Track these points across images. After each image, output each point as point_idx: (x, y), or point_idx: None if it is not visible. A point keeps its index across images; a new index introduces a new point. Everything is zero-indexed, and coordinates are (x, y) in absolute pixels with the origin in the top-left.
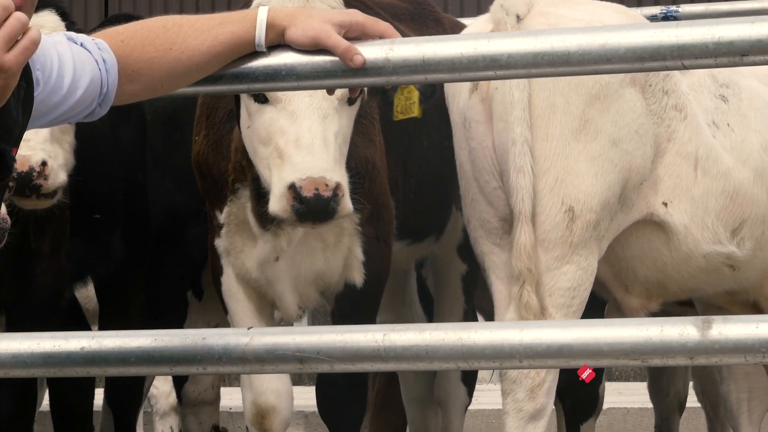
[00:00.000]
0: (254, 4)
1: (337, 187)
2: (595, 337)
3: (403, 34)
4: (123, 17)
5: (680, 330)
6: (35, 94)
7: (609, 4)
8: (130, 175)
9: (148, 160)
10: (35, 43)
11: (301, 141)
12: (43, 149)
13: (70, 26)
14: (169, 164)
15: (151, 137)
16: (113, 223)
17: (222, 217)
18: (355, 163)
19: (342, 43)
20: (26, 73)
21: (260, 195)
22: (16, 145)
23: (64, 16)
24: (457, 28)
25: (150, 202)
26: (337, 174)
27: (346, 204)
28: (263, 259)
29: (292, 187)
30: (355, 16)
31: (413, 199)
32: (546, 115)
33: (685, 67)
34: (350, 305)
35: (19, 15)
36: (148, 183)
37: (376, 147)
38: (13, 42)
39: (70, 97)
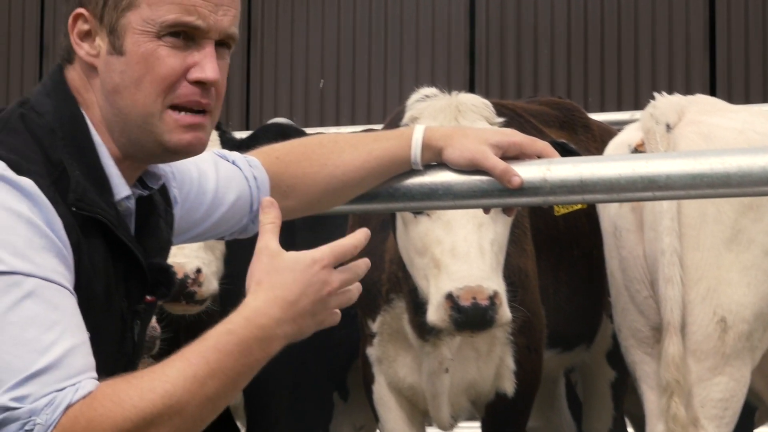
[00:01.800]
0: (406, 117)
1: (495, 295)
2: None
3: (553, 139)
4: (274, 126)
5: None
6: (173, 211)
7: (762, 110)
8: None
9: None
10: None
11: (457, 250)
12: (197, 257)
13: (223, 135)
14: None
15: (301, 242)
16: None
17: (375, 327)
18: (508, 273)
19: (499, 165)
20: (164, 193)
21: (417, 306)
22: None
23: (216, 125)
24: (607, 134)
25: None
26: (494, 282)
27: (505, 312)
28: (431, 371)
29: (450, 297)
30: (513, 136)
31: (564, 307)
32: (697, 224)
33: None
34: (501, 415)
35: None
36: None
37: (528, 256)
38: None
39: (212, 213)
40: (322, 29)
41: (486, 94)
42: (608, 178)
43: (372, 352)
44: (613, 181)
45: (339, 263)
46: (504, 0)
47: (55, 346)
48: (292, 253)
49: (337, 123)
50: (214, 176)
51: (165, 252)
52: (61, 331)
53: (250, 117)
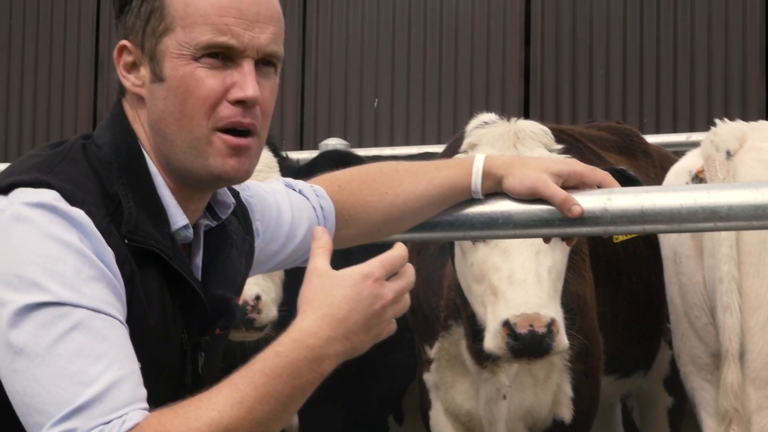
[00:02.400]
0: (465, 144)
1: (552, 323)
2: None
3: (613, 164)
4: (334, 153)
5: None
6: (255, 244)
7: None
8: None
9: None
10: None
11: (514, 277)
12: (257, 284)
13: (282, 161)
14: None
15: (354, 260)
16: None
17: (432, 353)
18: (566, 299)
19: (560, 193)
20: (247, 225)
21: (476, 332)
22: (238, 294)
23: (275, 151)
24: (666, 160)
25: None
26: (551, 310)
27: (562, 340)
28: (488, 397)
29: (507, 324)
30: (573, 165)
31: (622, 333)
32: (757, 252)
33: None
34: None
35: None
36: None
37: (586, 283)
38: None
39: (288, 245)
40: (377, 48)
41: (540, 114)
42: (669, 209)
43: (429, 377)
44: (674, 211)
45: (390, 275)
46: (559, 20)
47: (101, 378)
48: (341, 271)
49: (392, 143)
50: (289, 208)
51: (234, 283)
52: (108, 363)
53: (304, 136)
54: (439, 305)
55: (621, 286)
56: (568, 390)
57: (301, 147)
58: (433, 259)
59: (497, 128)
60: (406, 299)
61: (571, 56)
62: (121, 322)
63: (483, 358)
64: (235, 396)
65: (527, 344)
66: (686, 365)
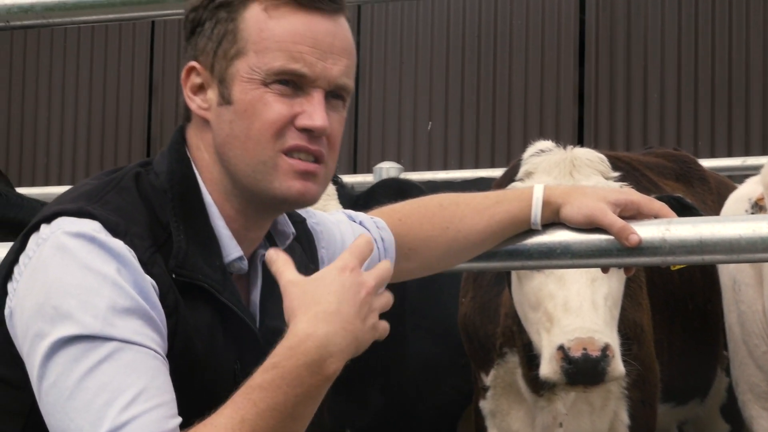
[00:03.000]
0: (521, 172)
1: (606, 347)
2: None
3: (670, 192)
4: (392, 182)
5: None
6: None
7: None
8: (391, 328)
9: (405, 310)
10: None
11: (569, 305)
12: None
13: (341, 189)
14: (425, 314)
15: (408, 286)
16: (372, 378)
17: (488, 380)
18: (623, 327)
19: (617, 222)
20: (312, 253)
21: (531, 360)
22: None
23: (334, 180)
24: (723, 187)
25: (407, 353)
26: (606, 335)
27: (617, 366)
28: (544, 425)
29: (561, 349)
30: (631, 195)
31: (678, 361)
32: None
33: None
34: None
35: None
36: (406, 334)
37: (643, 310)
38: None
39: None
40: (431, 71)
41: (595, 136)
42: (728, 239)
43: (485, 405)
44: (733, 242)
45: (362, 264)
46: (614, 42)
47: (126, 411)
48: (317, 273)
49: (445, 166)
50: (352, 239)
51: None
52: (134, 395)
53: (357, 159)
54: (495, 332)
55: (677, 314)
56: (624, 418)
57: (354, 170)
58: (490, 287)
59: (553, 156)
60: (387, 294)
61: (626, 78)
62: (156, 352)
63: (539, 386)
64: (235, 416)
65: (581, 368)
66: (744, 393)
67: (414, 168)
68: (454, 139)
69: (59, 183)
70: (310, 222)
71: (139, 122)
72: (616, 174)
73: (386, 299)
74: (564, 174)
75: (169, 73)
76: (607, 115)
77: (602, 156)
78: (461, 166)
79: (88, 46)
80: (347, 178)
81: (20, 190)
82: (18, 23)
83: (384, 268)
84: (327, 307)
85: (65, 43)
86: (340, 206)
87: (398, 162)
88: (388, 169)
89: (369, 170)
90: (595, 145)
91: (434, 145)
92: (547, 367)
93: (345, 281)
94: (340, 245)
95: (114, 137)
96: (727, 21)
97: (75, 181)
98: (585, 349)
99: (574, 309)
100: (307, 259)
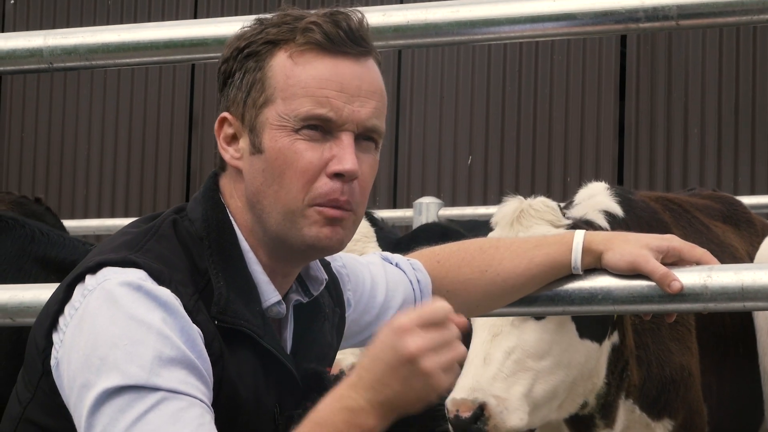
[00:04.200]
0: (492, 221)
1: (483, 407)
2: None
3: (721, 234)
4: (434, 226)
5: None
6: (346, 315)
7: None
8: None
9: None
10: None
11: (467, 360)
12: (352, 353)
13: (379, 231)
14: None
15: None
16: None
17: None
18: (670, 371)
19: (660, 269)
20: (338, 296)
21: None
22: (330, 365)
23: (373, 221)
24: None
25: None
26: (488, 393)
27: (499, 423)
28: None
29: (446, 410)
30: (672, 241)
31: (727, 404)
32: None
33: None
34: None
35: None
36: None
37: (692, 354)
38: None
39: (381, 316)
40: (471, 105)
41: (635, 171)
42: None
43: None
44: None
45: (427, 325)
46: (654, 77)
47: None
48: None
49: (485, 202)
50: (384, 280)
51: (327, 357)
52: None
53: (397, 194)
54: None
55: (727, 357)
56: None
57: (394, 205)
58: None
59: (505, 207)
60: (459, 348)
61: (666, 113)
62: (201, 401)
63: (580, 429)
64: None
65: (455, 428)
66: None
67: (454, 203)
68: (494, 173)
69: (98, 216)
70: (334, 265)
71: (179, 156)
72: (567, 222)
73: (448, 357)
74: (507, 225)
75: (209, 106)
76: (647, 150)
77: (552, 205)
78: (501, 201)
79: (128, 79)
80: (387, 213)
81: None
82: (61, 65)
83: (446, 331)
84: (365, 364)
85: (105, 77)
86: (378, 248)
87: (438, 197)
88: (428, 204)
89: (409, 205)
90: (635, 180)
91: (474, 180)
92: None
93: (386, 340)
94: (370, 286)
95: (153, 171)
96: (767, 56)
97: (114, 213)
98: (458, 410)
99: (466, 365)
100: (334, 303)
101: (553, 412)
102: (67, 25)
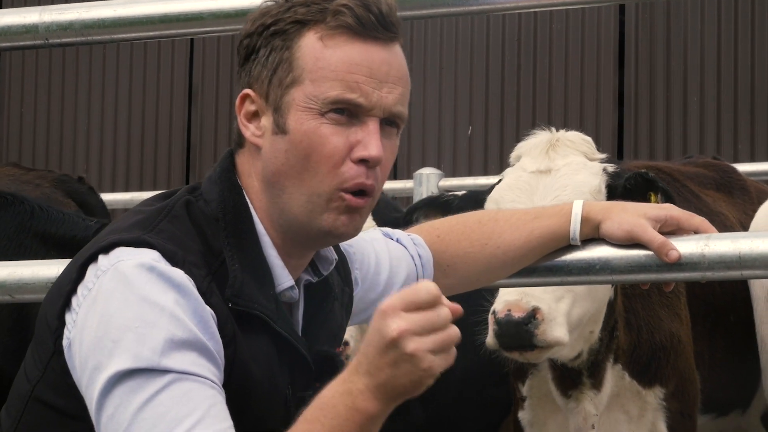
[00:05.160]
0: (513, 156)
1: (535, 310)
2: None
3: (711, 202)
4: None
5: None
6: (354, 293)
7: None
8: None
9: None
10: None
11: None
12: (352, 336)
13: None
14: (464, 326)
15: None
16: None
17: (524, 390)
18: (660, 338)
19: (657, 237)
20: (346, 275)
21: (555, 362)
22: (340, 345)
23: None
24: (765, 196)
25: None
26: (539, 301)
27: (548, 330)
28: (577, 428)
29: (493, 313)
30: (671, 210)
31: (719, 372)
32: None
33: None
34: None
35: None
36: None
37: (681, 321)
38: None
39: (385, 293)
40: (471, 75)
41: (635, 140)
42: (767, 254)
43: (524, 415)
44: None
45: (412, 308)
46: (653, 46)
47: None
48: None
49: (486, 172)
50: (387, 256)
51: (337, 337)
52: (191, 424)
53: (397, 165)
54: None
55: (718, 325)
56: (663, 429)
57: (395, 176)
58: None
59: (536, 137)
60: (449, 329)
61: (665, 82)
62: (212, 381)
63: (567, 387)
64: None
65: (504, 329)
66: None
67: (454, 173)
68: (494, 144)
69: (99, 190)
70: (342, 245)
71: (179, 129)
72: (602, 156)
73: (438, 339)
74: (541, 153)
75: (208, 80)
76: (646, 119)
77: (587, 138)
78: (501, 172)
79: (127, 53)
80: (387, 185)
81: None
82: (57, 41)
83: (435, 312)
84: (363, 349)
85: (104, 51)
86: (379, 228)
87: (438, 167)
88: (428, 175)
89: (409, 176)
90: (635, 149)
91: (474, 150)
92: (488, 337)
93: (374, 325)
94: (374, 264)
95: (153, 145)
96: (766, 24)
97: (115, 188)
98: (509, 310)
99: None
100: (342, 282)
101: (572, 341)
102: (64, 0)
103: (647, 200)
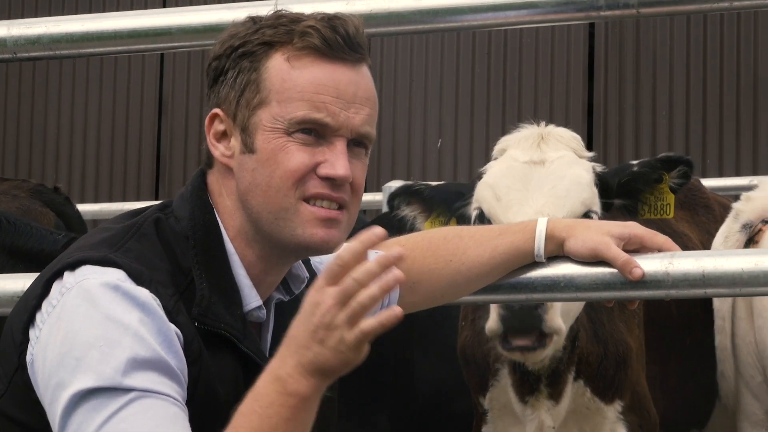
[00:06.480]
0: (496, 149)
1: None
2: None
3: (674, 222)
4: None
5: None
6: None
7: None
8: (399, 353)
9: (414, 336)
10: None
11: None
12: None
13: None
14: (434, 339)
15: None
16: (381, 402)
17: (486, 403)
18: (623, 349)
19: (621, 255)
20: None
21: (515, 365)
22: None
23: None
24: (728, 212)
25: (416, 377)
26: None
27: (555, 318)
28: None
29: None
30: (634, 228)
31: (673, 395)
32: None
33: None
34: None
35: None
36: (414, 358)
37: (633, 336)
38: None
39: None
40: (441, 88)
41: (604, 152)
42: (730, 273)
43: (486, 430)
44: (735, 276)
45: (335, 280)
46: (622, 59)
47: None
48: None
49: None
50: None
51: None
52: None
53: (367, 178)
54: (490, 352)
55: (673, 350)
56: None
57: (365, 189)
58: (479, 307)
59: (525, 131)
60: (364, 296)
61: (634, 96)
62: (175, 399)
63: (524, 392)
64: None
65: (516, 312)
66: (741, 422)
67: None
68: (463, 156)
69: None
70: (313, 261)
71: (149, 142)
72: (591, 154)
73: (356, 308)
74: (532, 145)
75: (178, 93)
76: (615, 131)
77: (576, 135)
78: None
79: (97, 67)
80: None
81: None
82: (25, 55)
83: (349, 280)
84: (291, 332)
85: (74, 64)
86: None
87: (408, 180)
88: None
89: (378, 189)
90: (604, 162)
91: (444, 162)
92: (489, 322)
93: (305, 303)
94: None
95: (123, 157)
96: (735, 39)
97: (84, 199)
98: None
99: None
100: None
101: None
102: (35, 15)
103: (660, 182)
